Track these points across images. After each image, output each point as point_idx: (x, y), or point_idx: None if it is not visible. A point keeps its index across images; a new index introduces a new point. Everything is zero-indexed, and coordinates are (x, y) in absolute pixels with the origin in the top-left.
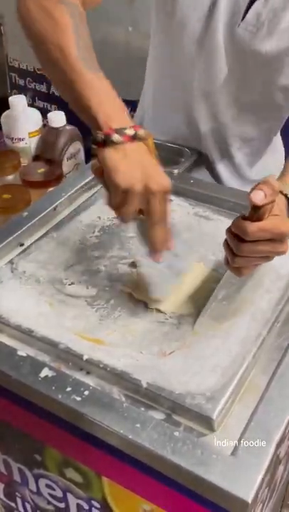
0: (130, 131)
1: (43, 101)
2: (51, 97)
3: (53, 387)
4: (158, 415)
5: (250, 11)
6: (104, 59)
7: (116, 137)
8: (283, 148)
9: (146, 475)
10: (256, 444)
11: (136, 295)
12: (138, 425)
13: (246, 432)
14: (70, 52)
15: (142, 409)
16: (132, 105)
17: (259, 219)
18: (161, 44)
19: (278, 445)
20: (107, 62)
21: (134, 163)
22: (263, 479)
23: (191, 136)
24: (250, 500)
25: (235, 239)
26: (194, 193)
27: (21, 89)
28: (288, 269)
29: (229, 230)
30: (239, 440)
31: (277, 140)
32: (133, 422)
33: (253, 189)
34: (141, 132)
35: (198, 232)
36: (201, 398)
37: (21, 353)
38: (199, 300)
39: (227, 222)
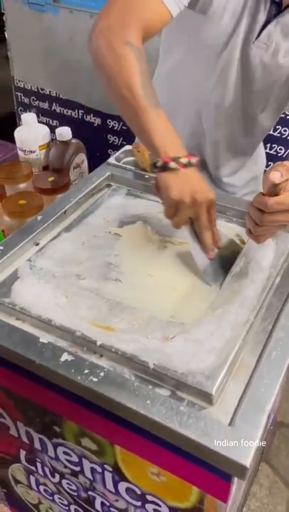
0: (184, 160)
1: (46, 117)
2: (53, 114)
3: (73, 370)
4: (164, 392)
5: (264, 31)
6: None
7: (172, 164)
8: (265, 161)
9: (154, 443)
10: (251, 414)
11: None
12: (148, 402)
13: (241, 405)
14: (137, 92)
15: (150, 387)
16: (122, 120)
17: (276, 194)
18: (180, 60)
19: (269, 416)
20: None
21: (184, 182)
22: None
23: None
24: (248, 465)
25: (258, 211)
26: None
27: (26, 107)
28: (269, 262)
29: (251, 205)
30: (235, 412)
31: (260, 151)
32: (144, 399)
33: (270, 171)
34: (192, 160)
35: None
36: (201, 376)
37: (43, 340)
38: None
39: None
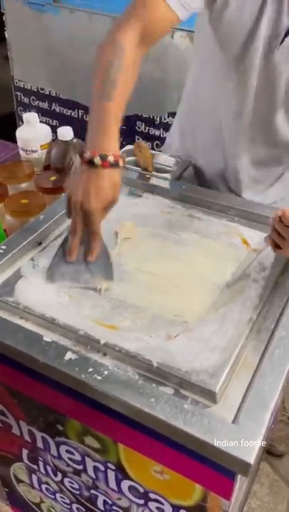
0: (110, 159)
1: (45, 117)
2: (53, 113)
3: (77, 368)
4: (168, 390)
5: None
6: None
7: (97, 160)
8: None
9: (157, 441)
10: (254, 412)
11: None
12: (152, 400)
13: (244, 403)
14: (94, 86)
15: (154, 385)
16: (122, 120)
17: None
18: (199, 69)
19: (272, 414)
20: None
21: (86, 185)
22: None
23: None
24: (252, 462)
25: (287, 228)
26: (187, 197)
27: (26, 107)
28: (271, 262)
29: (280, 221)
30: (239, 410)
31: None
32: (148, 397)
33: None
34: (119, 162)
35: (192, 230)
36: (204, 375)
37: (47, 338)
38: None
39: (216, 222)
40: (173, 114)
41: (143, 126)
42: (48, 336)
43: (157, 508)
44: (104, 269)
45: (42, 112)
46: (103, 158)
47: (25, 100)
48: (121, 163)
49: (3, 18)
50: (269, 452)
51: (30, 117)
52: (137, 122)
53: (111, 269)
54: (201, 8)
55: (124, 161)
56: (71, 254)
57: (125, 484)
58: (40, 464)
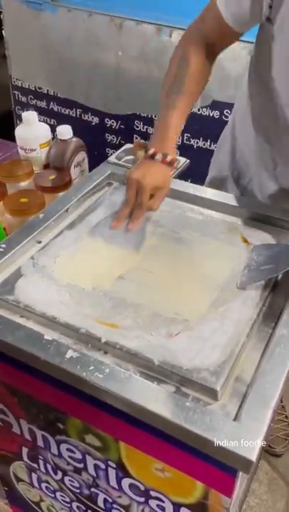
0: (169, 158)
1: (43, 116)
2: (51, 112)
3: (78, 367)
4: (169, 388)
5: None
6: (98, 79)
7: (158, 156)
8: None
9: (158, 439)
10: (255, 410)
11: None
12: (154, 397)
13: (246, 401)
14: (162, 93)
15: (155, 383)
16: (120, 119)
17: None
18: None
19: (273, 411)
20: (101, 82)
21: (144, 170)
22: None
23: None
24: (254, 460)
25: None
26: (186, 195)
27: (24, 106)
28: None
29: None
30: (240, 407)
31: None
32: (149, 395)
33: None
34: (174, 164)
35: (192, 229)
36: (205, 373)
37: (47, 337)
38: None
39: (216, 221)
40: None
41: (141, 125)
42: (49, 335)
43: (158, 505)
44: (136, 240)
45: (40, 111)
46: (164, 155)
47: (23, 99)
48: (175, 165)
49: (1, 16)
50: (267, 452)
51: (30, 116)
52: (136, 121)
53: (141, 242)
54: (257, 23)
55: (177, 166)
56: (119, 220)
57: (126, 482)
58: (41, 462)
